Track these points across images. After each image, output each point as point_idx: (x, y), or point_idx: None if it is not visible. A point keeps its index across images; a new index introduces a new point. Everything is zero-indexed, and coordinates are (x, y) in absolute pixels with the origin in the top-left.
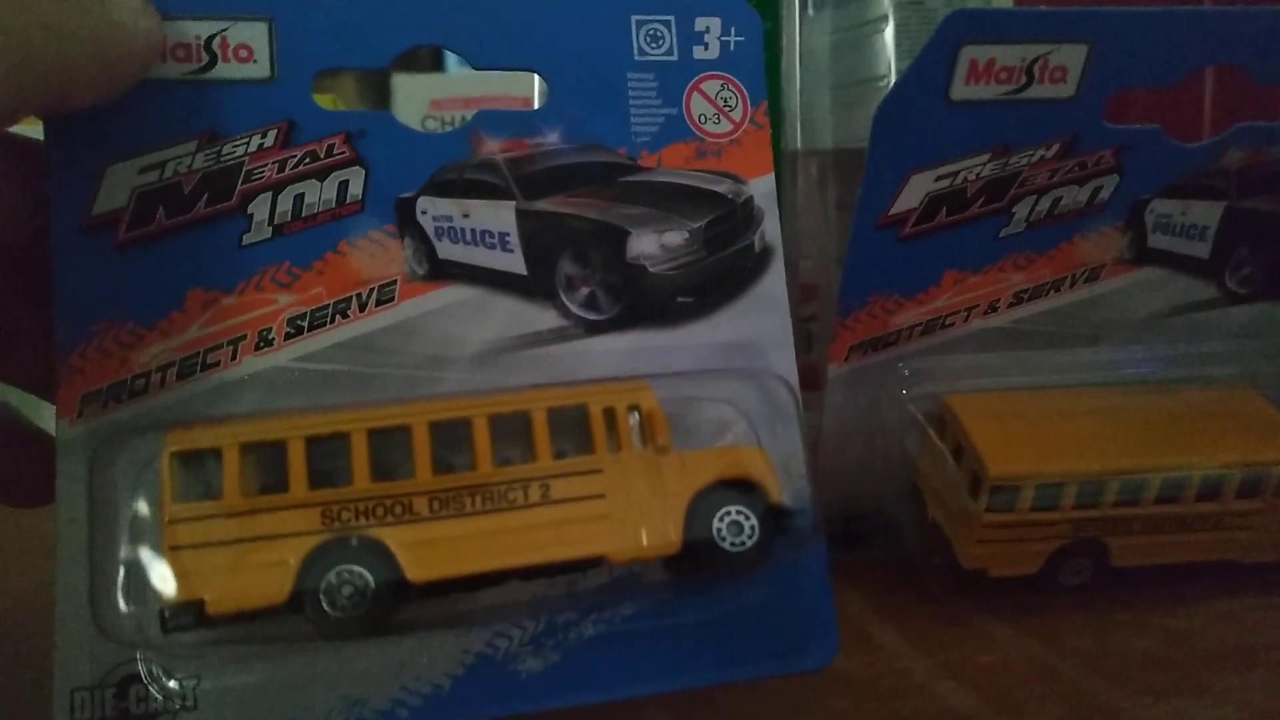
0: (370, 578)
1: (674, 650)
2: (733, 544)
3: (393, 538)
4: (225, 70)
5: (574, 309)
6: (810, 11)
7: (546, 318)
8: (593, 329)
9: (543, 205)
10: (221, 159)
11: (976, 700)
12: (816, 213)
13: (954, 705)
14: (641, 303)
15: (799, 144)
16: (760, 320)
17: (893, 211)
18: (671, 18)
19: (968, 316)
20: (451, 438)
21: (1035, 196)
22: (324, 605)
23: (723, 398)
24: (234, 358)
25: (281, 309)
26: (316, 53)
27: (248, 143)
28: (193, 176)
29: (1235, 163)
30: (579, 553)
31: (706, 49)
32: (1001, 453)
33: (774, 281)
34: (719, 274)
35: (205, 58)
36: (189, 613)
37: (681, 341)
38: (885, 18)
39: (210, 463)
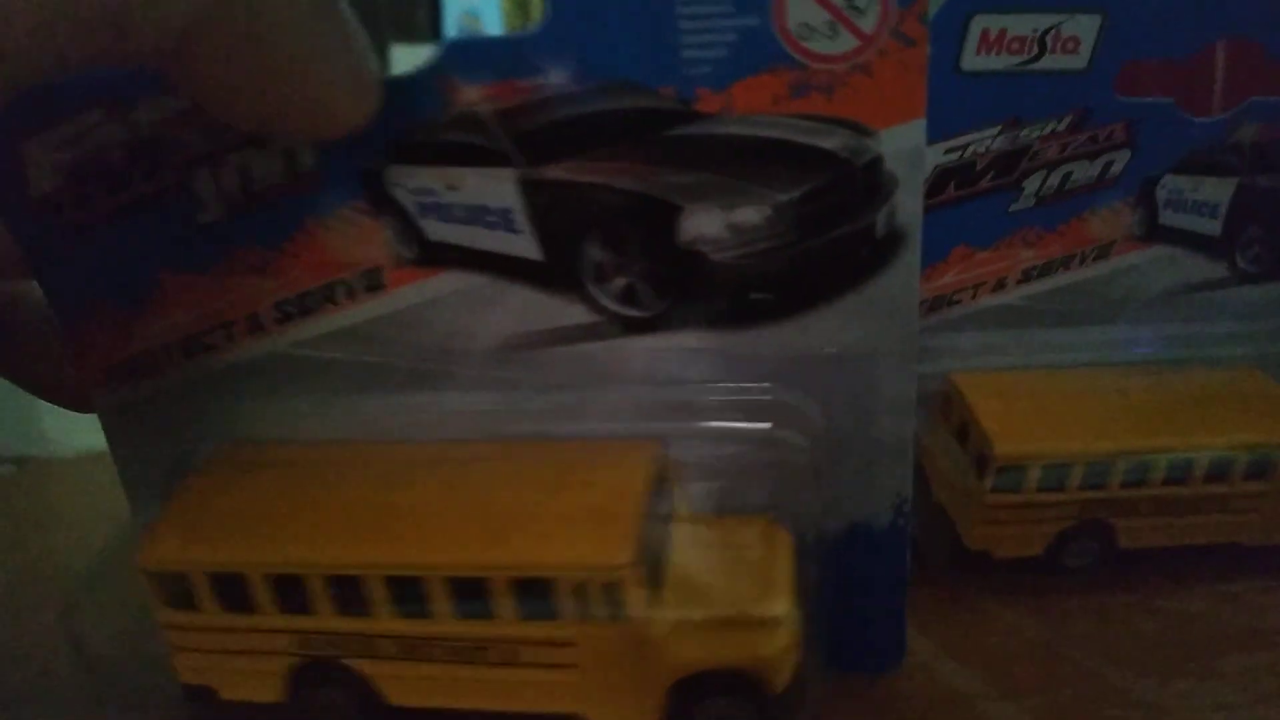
0: (355, 697)
1: None
2: None
3: (367, 668)
4: None
5: (606, 303)
6: None
7: (573, 312)
8: (633, 327)
9: (555, 173)
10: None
11: (980, 681)
12: None
13: (957, 686)
14: (698, 298)
15: None
16: (876, 325)
17: None
18: None
19: (975, 293)
20: (410, 590)
21: (1046, 171)
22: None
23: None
24: (230, 339)
25: (262, 294)
26: None
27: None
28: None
29: (1248, 138)
30: (554, 708)
31: None
32: (1008, 432)
33: (900, 279)
34: (816, 264)
35: None
36: (205, 695)
37: (754, 348)
38: None
39: (184, 582)
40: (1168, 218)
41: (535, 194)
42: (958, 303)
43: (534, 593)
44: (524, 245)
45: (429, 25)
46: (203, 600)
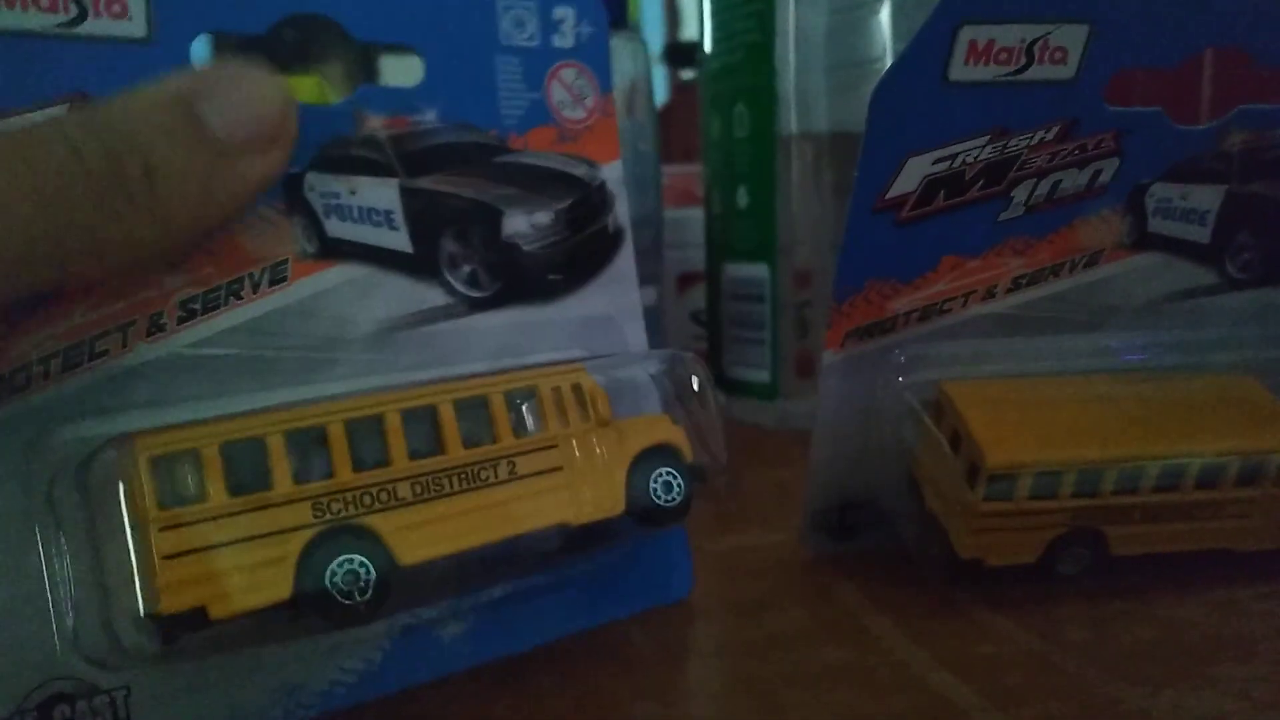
0: (370, 563)
1: (565, 599)
2: (666, 500)
3: (382, 524)
4: (96, 26)
5: (457, 286)
6: None
7: (433, 295)
8: (475, 306)
9: (424, 183)
10: None
11: (974, 692)
12: (811, 198)
13: (951, 697)
14: (518, 280)
15: (794, 128)
16: (616, 297)
17: (889, 195)
18: (534, 4)
19: (966, 302)
20: (420, 425)
21: (1035, 180)
22: (332, 595)
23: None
24: (124, 345)
25: (170, 291)
26: (194, 16)
27: None
28: None
29: (1237, 146)
30: (546, 521)
31: (563, 37)
32: (999, 441)
33: (625, 261)
34: (582, 253)
35: (74, 10)
36: (191, 620)
37: (553, 316)
38: None
39: (189, 465)
40: (1157, 225)
41: (410, 199)
42: (948, 311)
43: None
44: (400, 240)
45: None
46: (212, 482)
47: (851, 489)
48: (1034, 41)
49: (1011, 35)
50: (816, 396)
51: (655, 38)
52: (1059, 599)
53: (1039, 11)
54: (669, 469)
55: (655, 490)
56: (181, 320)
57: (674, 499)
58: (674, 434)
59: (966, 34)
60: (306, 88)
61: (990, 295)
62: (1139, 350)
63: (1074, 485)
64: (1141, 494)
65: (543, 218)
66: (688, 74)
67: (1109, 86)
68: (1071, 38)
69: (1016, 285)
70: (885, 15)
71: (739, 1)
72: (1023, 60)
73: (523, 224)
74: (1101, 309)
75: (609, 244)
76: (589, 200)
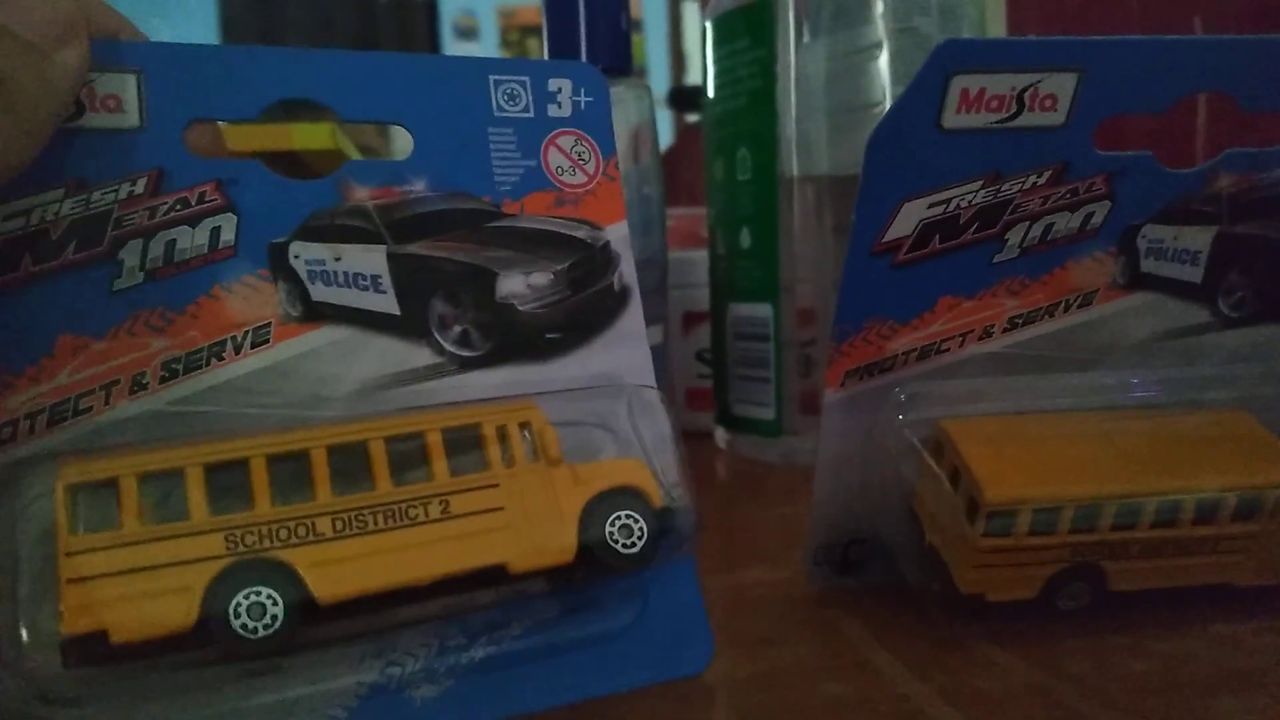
0: (279, 597)
1: (560, 667)
2: (624, 545)
3: (298, 558)
4: (94, 120)
5: (448, 346)
6: (806, 38)
7: (421, 355)
8: (467, 365)
9: (413, 249)
10: (91, 206)
11: None
12: (814, 238)
13: None
14: (512, 339)
15: (795, 170)
16: (622, 354)
17: (886, 239)
18: (527, 79)
19: (963, 342)
20: (349, 461)
21: (1028, 223)
22: (233, 627)
23: (598, 415)
24: (107, 402)
25: (155, 353)
26: (184, 104)
27: (117, 190)
28: (60, 223)
29: (1226, 188)
30: (480, 562)
31: (560, 107)
32: (998, 477)
33: (633, 319)
34: (582, 312)
35: (73, 108)
36: (91, 645)
37: (551, 375)
38: (880, 45)
39: (107, 493)
40: (1150, 266)
41: (398, 264)
42: (946, 351)
43: None
44: (386, 303)
45: (427, 40)
46: (127, 510)
47: (854, 525)
48: (1024, 89)
49: (1002, 84)
50: (818, 434)
51: (660, 82)
52: (1060, 634)
53: (1028, 61)
54: (630, 512)
55: (612, 534)
56: (163, 380)
57: (633, 544)
58: (640, 476)
59: (958, 83)
60: (320, 136)
61: (987, 335)
62: (1135, 388)
63: (1072, 521)
64: (1140, 530)
65: (540, 278)
66: (692, 117)
67: (1100, 131)
68: (1061, 85)
69: (1012, 325)
70: (884, 61)
71: (741, 49)
72: (1013, 107)
73: (519, 285)
74: (1096, 348)
75: (614, 302)
76: (591, 260)
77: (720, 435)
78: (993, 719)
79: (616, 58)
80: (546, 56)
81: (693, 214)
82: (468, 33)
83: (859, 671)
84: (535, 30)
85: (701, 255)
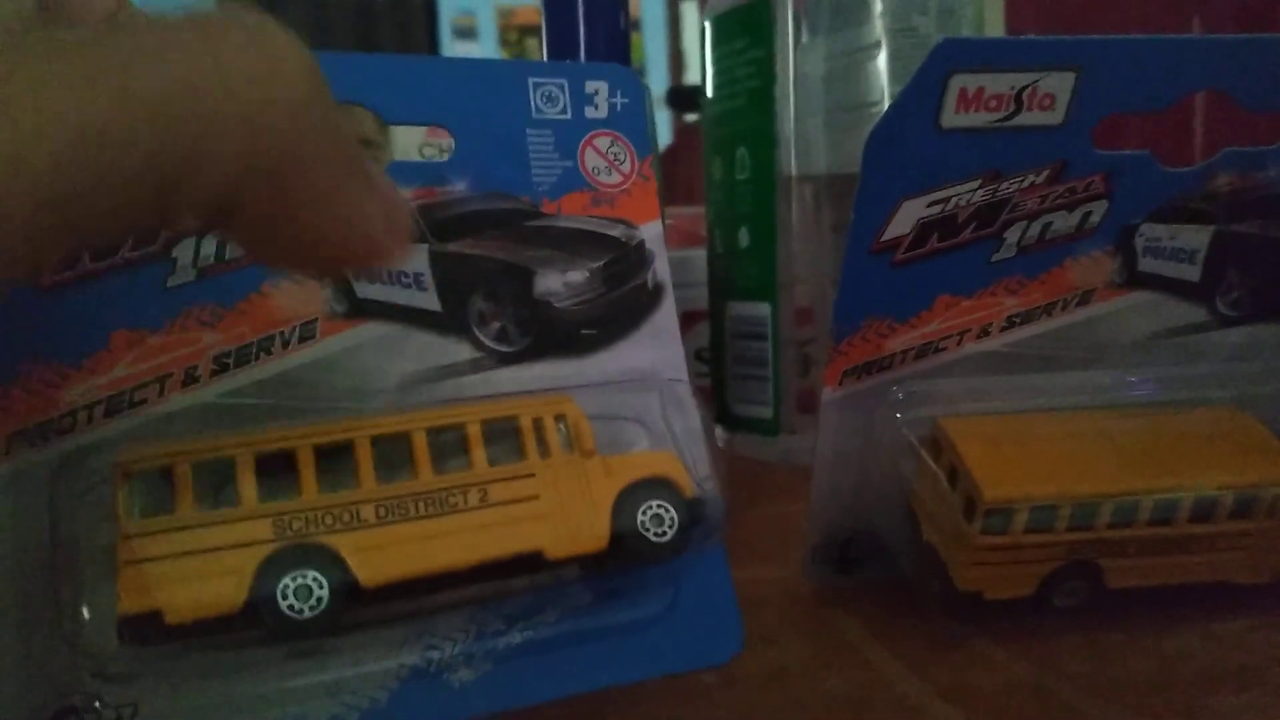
0: (325, 580)
1: (594, 652)
2: (656, 534)
3: (343, 543)
4: None
5: (487, 342)
6: (804, 38)
7: (461, 350)
8: (505, 360)
9: (454, 247)
10: None
11: None
12: (812, 237)
13: None
14: (549, 335)
15: (794, 169)
16: (656, 349)
17: (885, 238)
18: (564, 81)
19: (960, 340)
20: (392, 451)
21: (1026, 222)
22: (281, 609)
23: (631, 409)
24: (161, 394)
25: (206, 347)
26: None
27: None
28: None
29: (1223, 187)
30: (517, 548)
31: (597, 109)
32: (995, 476)
33: (666, 315)
34: (617, 309)
35: None
36: (146, 624)
37: (587, 370)
38: (878, 44)
39: (163, 480)
40: (1147, 264)
41: (440, 262)
42: (944, 349)
43: None
44: (428, 300)
45: (425, 40)
46: (181, 496)
47: (852, 523)
48: (1023, 89)
49: (1000, 83)
50: (816, 432)
51: (659, 81)
52: (1057, 631)
53: (1026, 60)
54: (661, 502)
55: (644, 523)
56: (214, 373)
57: (664, 533)
58: (671, 467)
59: (957, 83)
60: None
61: (985, 334)
62: (1132, 387)
63: (1070, 519)
64: (1137, 527)
65: (576, 276)
66: (690, 117)
67: (1098, 130)
68: (1059, 84)
69: (1010, 324)
70: (883, 61)
71: (740, 48)
72: (1012, 106)
73: (555, 283)
74: (1094, 346)
75: (648, 299)
76: (626, 258)
77: (719, 434)
78: (990, 716)
79: (615, 57)
80: (545, 56)
81: (691, 213)
82: (466, 33)
83: (857, 669)
84: (534, 30)
85: (700, 254)
